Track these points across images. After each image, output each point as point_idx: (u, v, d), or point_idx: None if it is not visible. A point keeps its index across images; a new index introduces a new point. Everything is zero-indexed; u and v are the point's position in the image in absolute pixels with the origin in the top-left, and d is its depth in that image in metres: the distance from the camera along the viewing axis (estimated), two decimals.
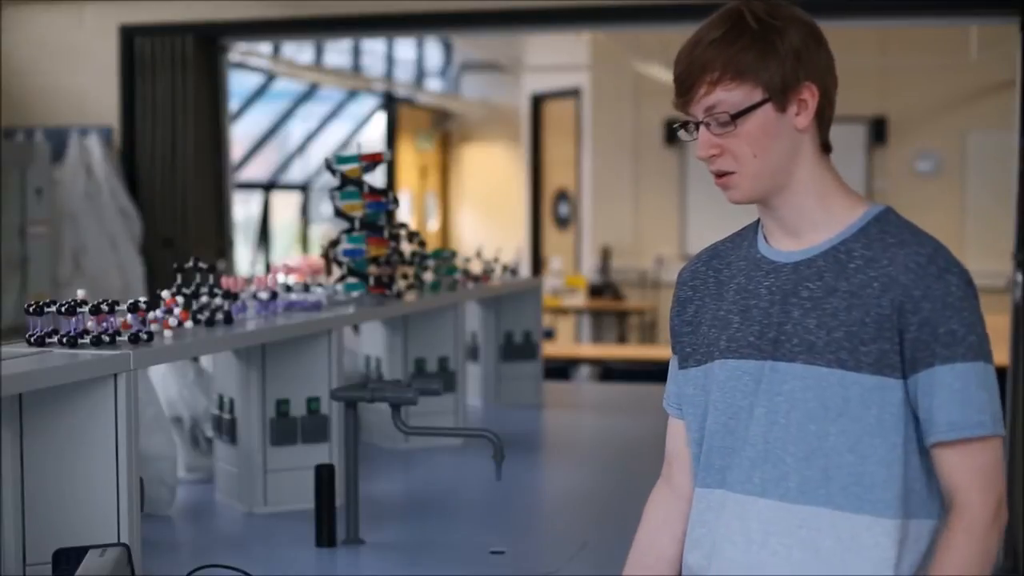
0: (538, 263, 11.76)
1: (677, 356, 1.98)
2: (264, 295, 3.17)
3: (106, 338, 2.47)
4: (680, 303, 1.98)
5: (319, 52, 10.33)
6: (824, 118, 1.85)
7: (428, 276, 3.99)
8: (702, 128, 1.81)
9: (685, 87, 1.81)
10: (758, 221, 1.95)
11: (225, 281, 3.01)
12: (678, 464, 2.01)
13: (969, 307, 1.77)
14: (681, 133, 1.85)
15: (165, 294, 2.82)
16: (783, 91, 1.79)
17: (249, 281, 3.31)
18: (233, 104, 7.89)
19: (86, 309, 2.49)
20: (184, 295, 2.86)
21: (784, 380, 1.80)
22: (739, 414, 1.84)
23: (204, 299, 2.89)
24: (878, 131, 10.39)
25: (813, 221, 1.85)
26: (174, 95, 6.63)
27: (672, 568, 2.01)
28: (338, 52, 10.76)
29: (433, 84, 13.08)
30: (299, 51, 9.97)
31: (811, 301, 1.81)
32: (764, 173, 1.81)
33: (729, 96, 1.78)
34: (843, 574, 1.77)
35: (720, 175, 1.83)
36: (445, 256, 4.08)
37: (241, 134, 9.65)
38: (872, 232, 1.82)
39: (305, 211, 11.18)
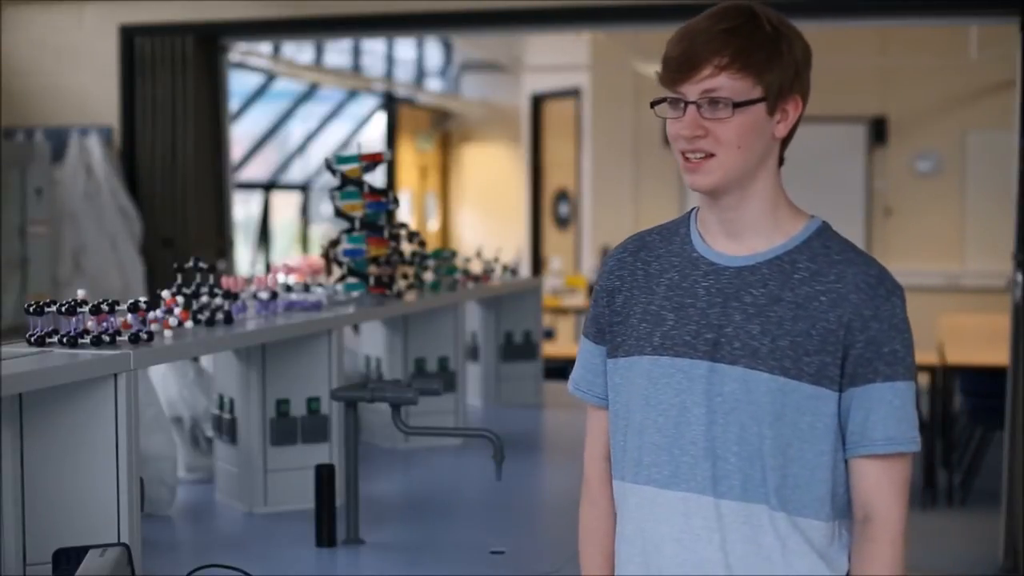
0: (538, 263, 11.76)
1: (604, 345, 1.99)
2: (264, 295, 3.17)
3: (106, 338, 2.47)
4: (608, 292, 1.99)
5: (319, 52, 10.33)
6: (790, 135, 1.91)
7: (428, 276, 3.99)
8: (691, 109, 1.83)
9: (687, 66, 1.82)
10: (688, 217, 1.98)
11: (225, 281, 3.01)
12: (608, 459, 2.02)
13: (908, 329, 1.85)
14: (661, 108, 1.86)
15: (165, 294, 2.82)
16: (777, 97, 1.84)
17: (249, 281, 3.31)
18: (233, 104, 7.89)
19: (86, 309, 2.49)
20: (184, 295, 2.86)
21: (724, 382, 1.83)
22: (671, 411, 1.87)
23: (204, 299, 2.89)
24: (878, 131, 10.38)
25: (759, 228, 1.89)
26: (174, 95, 6.63)
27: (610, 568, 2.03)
28: (338, 52, 10.76)
29: (433, 84, 13.08)
30: (299, 51, 9.97)
31: (754, 307, 1.85)
32: (739, 166, 1.84)
33: (732, 84, 1.81)
34: (782, 572, 1.83)
35: (694, 158, 1.84)
36: (445, 256, 4.08)
37: (241, 134, 9.65)
38: (815, 246, 1.87)
39: (305, 211, 11.18)
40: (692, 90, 1.83)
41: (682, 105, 1.84)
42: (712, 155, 1.83)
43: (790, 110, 1.86)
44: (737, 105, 1.81)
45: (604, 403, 2.02)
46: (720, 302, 1.86)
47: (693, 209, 1.98)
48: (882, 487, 1.83)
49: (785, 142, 1.91)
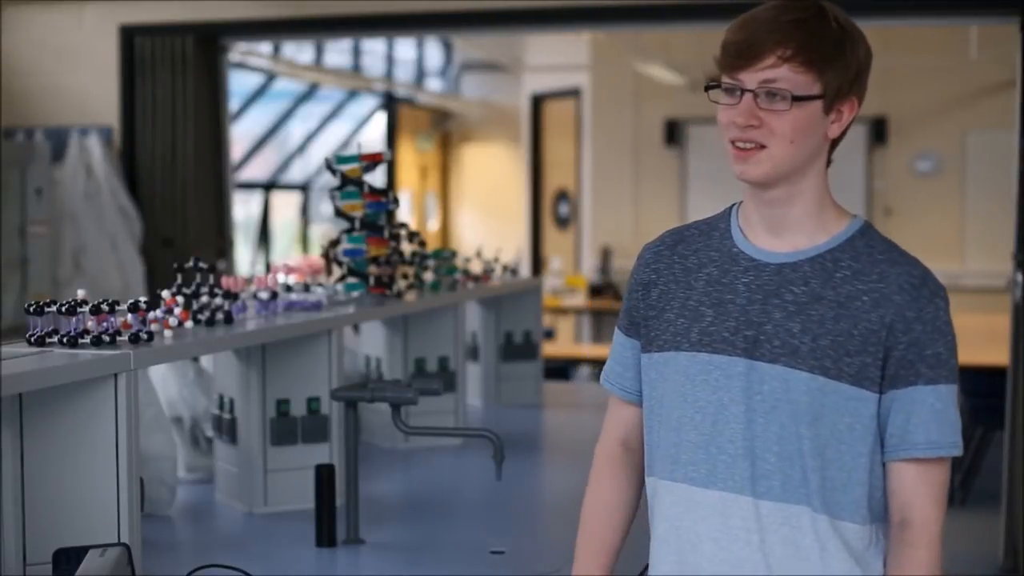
0: (538, 263, 11.76)
1: (636, 339, 1.97)
2: (264, 295, 3.17)
3: (106, 338, 2.47)
4: (644, 285, 1.96)
5: (319, 52, 10.32)
6: (841, 136, 1.88)
7: (428, 276, 3.99)
8: (747, 97, 1.80)
9: (749, 53, 1.79)
10: (728, 213, 1.95)
11: (225, 281, 3.01)
12: (634, 450, 2.02)
13: (951, 332, 1.83)
14: (716, 93, 1.83)
15: (165, 294, 2.82)
16: (835, 96, 1.82)
17: (249, 281, 3.31)
18: (233, 104, 7.89)
19: (86, 309, 2.49)
20: (184, 295, 2.86)
21: (764, 380, 1.81)
22: (708, 409, 1.84)
23: (204, 299, 2.89)
24: (878, 131, 10.38)
25: (803, 226, 1.86)
26: (174, 95, 6.63)
27: (613, 558, 2.03)
28: (338, 52, 10.76)
29: (433, 84, 13.08)
30: (299, 51, 9.96)
31: (795, 305, 1.82)
32: (789, 161, 1.81)
33: (794, 77, 1.78)
34: (820, 572, 1.81)
35: (745, 148, 1.81)
36: (445, 256, 4.08)
37: (241, 134, 9.65)
38: (859, 245, 1.85)
39: (305, 211, 11.18)
40: (751, 78, 1.79)
41: (738, 92, 1.80)
42: (763, 147, 1.80)
43: (845, 111, 1.84)
44: (796, 99, 1.78)
45: (630, 397, 2.01)
46: (760, 299, 1.84)
47: (734, 205, 1.95)
48: (920, 491, 1.81)
49: (835, 143, 1.88)
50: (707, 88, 1.85)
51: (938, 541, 1.82)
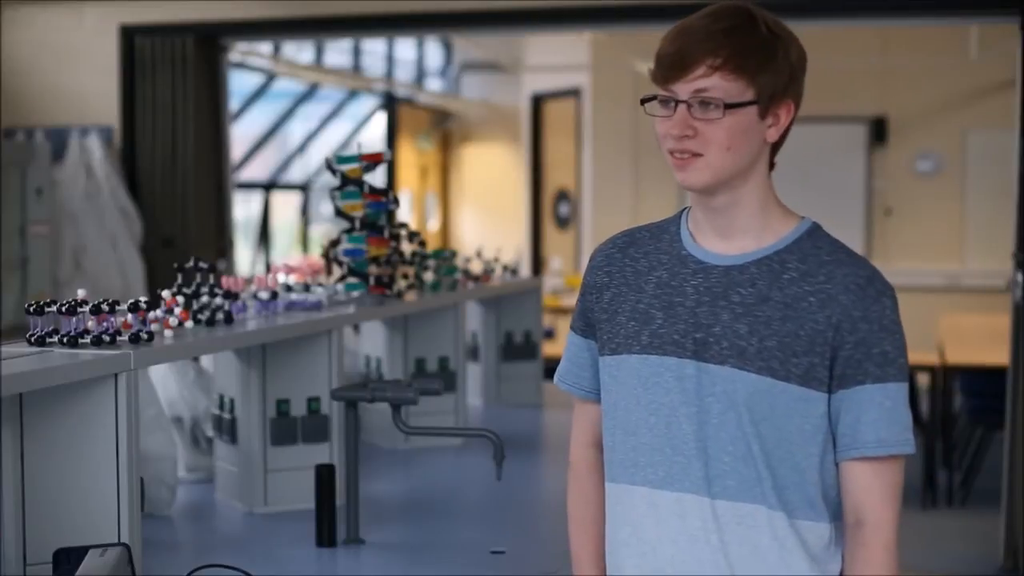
0: (538, 263, 11.75)
1: (592, 339, 1.99)
2: (264, 295, 3.17)
3: (106, 338, 2.47)
4: (596, 288, 1.98)
5: (319, 52, 10.32)
6: (782, 140, 1.89)
7: (428, 276, 3.99)
8: (681, 108, 1.81)
9: (681, 64, 1.80)
10: (679, 216, 1.97)
11: (225, 281, 3.01)
12: (599, 451, 2.02)
13: (899, 330, 1.83)
14: (651, 106, 1.85)
15: (165, 294, 2.82)
16: (770, 100, 1.83)
17: (249, 281, 3.31)
18: (233, 104, 7.88)
19: (86, 309, 2.49)
20: (184, 295, 2.86)
21: (714, 382, 1.82)
22: (662, 411, 1.86)
23: (204, 299, 2.90)
24: (878, 131, 10.38)
25: (748, 228, 1.87)
26: (174, 95, 6.63)
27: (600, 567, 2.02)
28: (338, 52, 10.76)
29: (433, 84, 13.08)
30: (299, 51, 9.96)
31: (742, 306, 1.83)
32: (727, 167, 1.83)
33: (725, 85, 1.79)
34: (778, 573, 1.82)
35: (683, 156, 1.83)
36: (445, 256, 4.08)
37: (241, 134, 9.65)
38: (806, 246, 1.86)
39: (305, 211, 11.18)
40: (684, 89, 1.81)
41: (672, 104, 1.82)
42: (699, 155, 1.82)
43: (782, 115, 1.85)
44: (729, 106, 1.79)
45: (590, 396, 2.02)
46: (708, 301, 1.85)
47: (685, 208, 1.97)
48: (873, 490, 1.81)
49: (776, 147, 1.89)
50: (643, 102, 1.87)
51: (894, 542, 1.81)
